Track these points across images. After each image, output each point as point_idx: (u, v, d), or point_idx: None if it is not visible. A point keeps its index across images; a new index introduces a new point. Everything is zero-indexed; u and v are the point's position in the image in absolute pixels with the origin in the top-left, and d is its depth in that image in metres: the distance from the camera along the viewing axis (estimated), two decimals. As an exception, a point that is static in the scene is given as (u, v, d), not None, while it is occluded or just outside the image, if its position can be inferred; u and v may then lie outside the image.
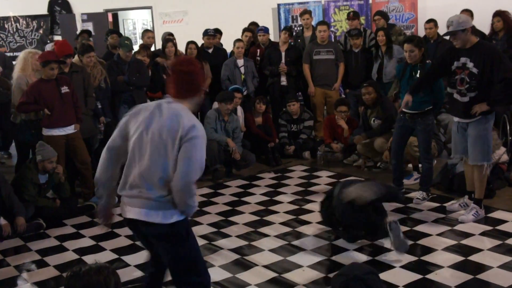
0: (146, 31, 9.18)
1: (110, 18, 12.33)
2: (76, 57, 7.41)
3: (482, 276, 4.41)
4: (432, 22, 8.64)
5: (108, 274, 2.44)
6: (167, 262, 3.42)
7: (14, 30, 12.23)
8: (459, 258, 4.74)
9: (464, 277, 4.40)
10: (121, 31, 13.20)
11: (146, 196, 3.25)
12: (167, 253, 3.37)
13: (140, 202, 3.27)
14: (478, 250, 4.89)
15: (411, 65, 6.15)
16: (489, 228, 5.38)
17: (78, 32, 9.18)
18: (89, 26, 11.38)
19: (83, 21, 11.71)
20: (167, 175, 3.20)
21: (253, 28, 9.65)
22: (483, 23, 8.34)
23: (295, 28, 10.36)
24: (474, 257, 4.75)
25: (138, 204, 3.28)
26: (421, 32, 9.46)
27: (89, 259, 5.01)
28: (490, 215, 5.71)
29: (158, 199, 3.22)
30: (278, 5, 11.56)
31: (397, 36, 8.95)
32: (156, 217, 3.24)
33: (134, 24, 13.86)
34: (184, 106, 3.37)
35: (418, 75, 6.09)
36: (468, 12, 8.42)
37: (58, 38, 11.61)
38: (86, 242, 5.60)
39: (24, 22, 12.25)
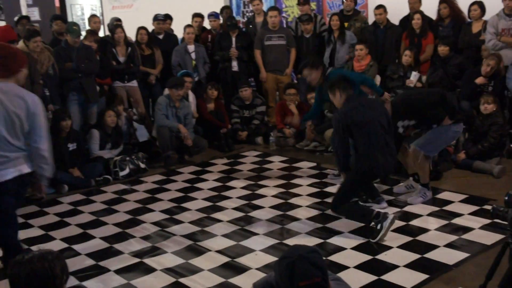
0: (92, 16, 9.04)
1: (57, 3, 12.04)
2: (21, 43, 7.22)
3: (430, 255, 4.52)
4: (381, 8, 8.71)
5: (52, 260, 2.42)
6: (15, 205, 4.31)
7: (-47, 16, 11.85)
8: (408, 239, 4.86)
9: (413, 256, 4.51)
10: (69, 16, 12.91)
11: (18, 156, 4.07)
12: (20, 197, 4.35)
13: (16, 161, 4.06)
14: (425, 230, 5.02)
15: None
16: (436, 208, 5.53)
17: (16, 18, 8.89)
18: (35, 11, 11.10)
19: (29, 6, 11.38)
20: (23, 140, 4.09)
21: (228, 11, 9.60)
22: (430, 9, 8.49)
23: (247, 14, 10.34)
24: (422, 237, 4.88)
25: (15, 164, 4.06)
26: (371, 18, 9.57)
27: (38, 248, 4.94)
28: (437, 196, 5.86)
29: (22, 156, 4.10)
30: (230, -10, 11.51)
31: (362, 24, 9.00)
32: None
33: (82, 10, 13.54)
34: (14, 83, 4.08)
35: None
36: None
37: (2, 23, 11.27)
38: (35, 232, 5.51)
39: (-36, 7, 11.87)
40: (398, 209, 5.55)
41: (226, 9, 9.86)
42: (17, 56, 4.25)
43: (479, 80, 7.18)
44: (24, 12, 10.89)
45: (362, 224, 5.13)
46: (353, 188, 5.24)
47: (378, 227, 4.85)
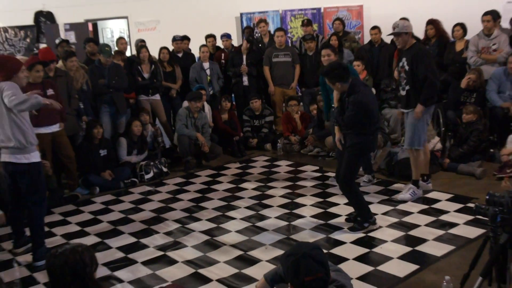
0: (119, 38, 9.06)
1: (90, 28, 12.10)
2: (60, 62, 7.29)
3: (420, 248, 4.51)
4: (376, 28, 8.73)
5: (82, 251, 2.47)
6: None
7: (4, 39, 12.00)
8: (401, 233, 4.85)
9: (405, 249, 4.50)
10: (100, 39, 13.01)
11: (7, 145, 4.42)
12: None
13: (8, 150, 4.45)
14: (416, 226, 5.00)
15: None
16: (425, 206, 5.51)
17: (57, 41, 8.97)
18: (72, 35, 11.20)
19: (66, 30, 11.49)
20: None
21: (248, 32, 9.60)
22: (417, 30, 8.46)
23: (256, 35, 10.33)
24: (413, 232, 4.86)
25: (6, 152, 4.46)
26: (367, 37, 9.57)
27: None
28: (426, 195, 5.83)
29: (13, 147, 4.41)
30: (241, 14, 11.55)
31: (351, 43, 9.02)
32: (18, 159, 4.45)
33: (112, 33, 13.63)
34: (10, 82, 4.34)
35: None
36: (405, 20, 8.55)
37: (43, 46, 11.37)
38: (72, 228, 5.55)
39: (13, 32, 12.02)
40: (392, 207, 5.54)
41: (247, 28, 9.87)
42: (10, 62, 4.48)
43: (464, 84, 7.20)
44: (62, 36, 10.97)
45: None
46: (358, 162, 5.10)
47: (365, 225, 4.94)
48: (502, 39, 7.36)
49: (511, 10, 8.65)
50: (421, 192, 5.81)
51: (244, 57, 8.74)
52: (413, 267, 4.17)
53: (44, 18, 12.04)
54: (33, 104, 4.30)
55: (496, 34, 7.39)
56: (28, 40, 12.05)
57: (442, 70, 7.89)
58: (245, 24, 11.34)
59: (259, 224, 5.30)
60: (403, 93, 5.66)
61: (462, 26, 7.91)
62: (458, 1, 9.43)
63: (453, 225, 4.97)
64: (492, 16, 7.41)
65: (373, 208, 5.45)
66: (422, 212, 5.37)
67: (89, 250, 2.52)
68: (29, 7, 11.91)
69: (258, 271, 4.18)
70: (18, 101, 4.24)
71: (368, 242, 4.71)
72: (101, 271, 4.34)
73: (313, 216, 5.42)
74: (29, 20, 12.07)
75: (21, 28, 12.03)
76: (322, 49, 6.26)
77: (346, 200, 5.61)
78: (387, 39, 8.72)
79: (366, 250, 4.54)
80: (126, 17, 12.40)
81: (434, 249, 4.47)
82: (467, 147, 6.63)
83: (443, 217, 5.18)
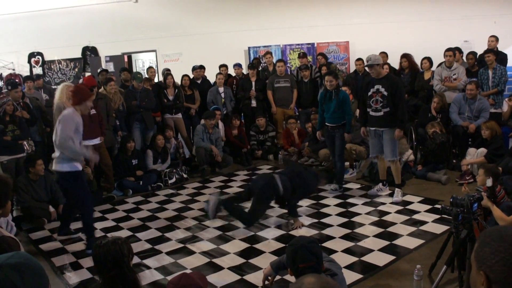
0: (149, 68, 9.11)
1: (125, 59, 12.20)
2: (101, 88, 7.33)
3: (396, 242, 4.49)
4: (360, 60, 8.69)
5: (121, 243, 2.50)
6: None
7: (58, 69, 12.25)
8: (380, 230, 4.82)
9: (384, 243, 4.47)
10: (134, 68, 13.06)
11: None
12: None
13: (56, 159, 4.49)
14: (393, 224, 4.97)
15: (330, 91, 6.10)
16: (401, 207, 5.48)
17: (99, 70, 9.07)
18: (111, 65, 11.33)
19: (106, 61, 11.62)
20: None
21: (255, 62, 9.60)
22: (393, 62, 8.49)
23: (262, 64, 10.35)
24: (390, 229, 4.83)
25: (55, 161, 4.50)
26: (352, 67, 9.56)
27: (111, 235, 4.96)
28: (402, 198, 5.78)
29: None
30: (249, 47, 11.59)
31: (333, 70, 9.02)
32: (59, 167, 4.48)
33: (143, 63, 13.69)
34: (73, 109, 4.42)
35: (333, 97, 6.02)
36: (384, 53, 8.58)
37: (88, 74, 11.52)
38: (109, 223, 5.56)
39: (65, 63, 12.24)
40: (373, 208, 5.50)
41: (255, 59, 9.86)
42: (79, 93, 4.48)
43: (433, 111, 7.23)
44: (103, 66, 11.10)
45: (346, 220, 5.09)
46: (260, 207, 5.12)
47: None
48: (460, 70, 7.37)
49: (467, 47, 8.73)
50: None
51: (253, 83, 8.75)
52: (390, 257, 4.14)
53: (89, 52, 12.20)
54: (74, 156, 4.40)
55: (456, 66, 7.39)
56: (76, 69, 12.23)
57: (414, 96, 7.90)
58: (252, 56, 11.38)
59: (263, 221, 5.27)
60: (378, 114, 5.60)
61: (428, 59, 7.92)
62: (425, 39, 9.49)
63: (423, 222, 4.94)
64: (453, 52, 7.46)
65: (357, 209, 5.43)
66: (398, 212, 5.34)
67: (126, 243, 2.54)
68: (78, 43, 12.12)
69: (262, 261, 4.17)
70: (59, 143, 4.34)
71: (353, 237, 4.68)
72: (133, 259, 4.33)
73: (308, 216, 5.39)
74: (78, 54, 12.23)
75: (71, 60, 12.23)
76: (326, 75, 6.17)
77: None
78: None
79: (352, 243, 4.51)
80: (154, 50, 12.50)
81: (408, 243, 4.44)
82: (437, 151, 6.63)
83: (415, 216, 5.15)
